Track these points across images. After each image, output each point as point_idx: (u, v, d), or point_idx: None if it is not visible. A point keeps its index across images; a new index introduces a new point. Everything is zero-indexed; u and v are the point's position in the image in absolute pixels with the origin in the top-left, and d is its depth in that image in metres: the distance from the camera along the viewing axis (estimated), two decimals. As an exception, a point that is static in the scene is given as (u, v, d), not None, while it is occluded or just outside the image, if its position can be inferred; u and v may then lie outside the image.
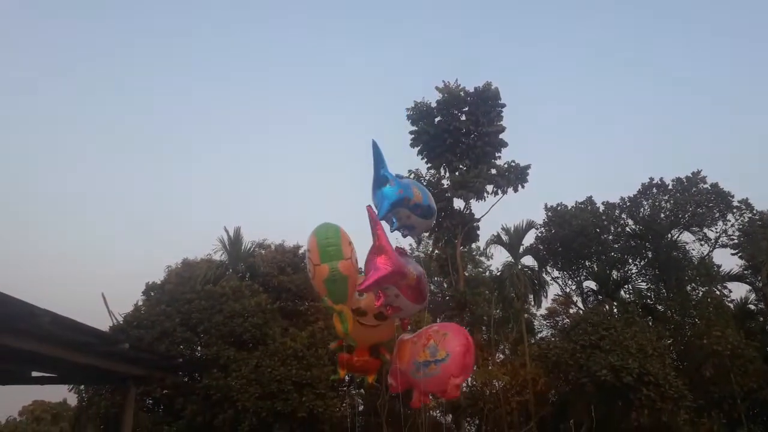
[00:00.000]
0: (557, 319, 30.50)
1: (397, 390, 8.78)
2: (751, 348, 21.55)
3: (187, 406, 18.06)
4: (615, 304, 26.15)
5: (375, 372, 8.81)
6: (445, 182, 25.47)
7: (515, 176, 24.72)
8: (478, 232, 26.35)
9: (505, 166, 24.95)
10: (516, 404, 22.39)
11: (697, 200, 26.72)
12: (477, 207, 25.72)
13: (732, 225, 27.11)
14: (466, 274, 26.42)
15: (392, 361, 8.72)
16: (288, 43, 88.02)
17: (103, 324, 19.37)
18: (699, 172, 27.25)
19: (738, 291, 30.69)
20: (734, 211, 26.88)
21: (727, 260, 27.98)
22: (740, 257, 26.80)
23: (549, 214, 28.55)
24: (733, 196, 26.71)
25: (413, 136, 25.69)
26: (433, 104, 25.52)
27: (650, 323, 23.44)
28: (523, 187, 24.97)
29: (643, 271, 28.30)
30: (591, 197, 28.37)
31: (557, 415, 23.52)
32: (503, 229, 27.66)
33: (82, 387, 19.52)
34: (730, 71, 78.83)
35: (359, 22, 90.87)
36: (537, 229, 28.29)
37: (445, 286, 27.58)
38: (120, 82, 77.77)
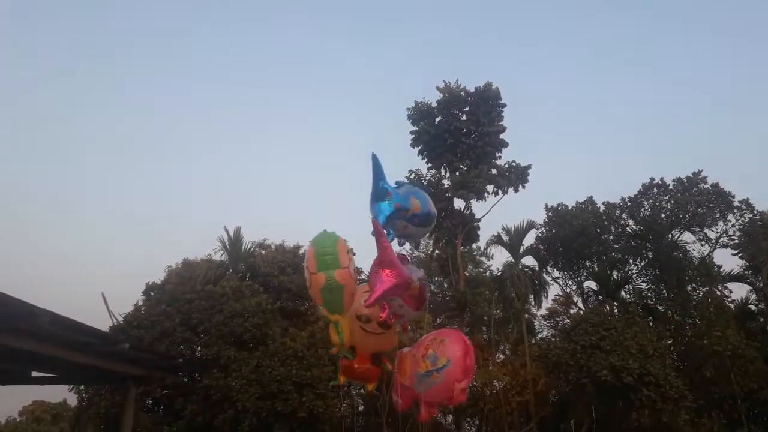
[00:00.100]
0: (558, 319, 30.50)
1: (404, 408, 8.61)
2: (752, 348, 21.53)
3: (187, 406, 18.05)
4: (615, 304, 26.15)
5: (375, 380, 8.73)
6: (446, 182, 25.47)
7: (516, 176, 24.71)
8: (479, 232, 26.37)
9: (506, 166, 24.94)
10: (516, 404, 22.38)
11: (697, 200, 26.71)
12: (477, 207, 25.74)
13: (732, 225, 27.12)
14: (467, 274, 26.42)
15: (395, 379, 8.63)
16: (288, 43, 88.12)
17: (103, 324, 19.36)
18: (700, 172, 27.26)
19: (738, 291, 30.65)
20: (735, 211, 26.87)
21: (728, 260, 28.00)
22: (741, 257, 26.80)
23: (549, 214, 28.54)
24: (733, 197, 26.71)
25: (414, 136, 25.68)
26: (434, 104, 25.52)
27: (651, 323, 23.43)
28: (523, 187, 24.97)
29: (644, 272, 28.29)
30: (591, 197, 28.39)
31: (558, 415, 23.51)
32: (504, 229, 27.68)
33: (82, 387, 19.50)
34: (730, 71, 78.87)
35: (359, 22, 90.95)
36: (537, 229, 28.30)
37: (446, 286, 27.57)
38: (120, 82, 77.87)
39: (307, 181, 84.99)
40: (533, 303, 28.14)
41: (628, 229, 28.22)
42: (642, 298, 26.40)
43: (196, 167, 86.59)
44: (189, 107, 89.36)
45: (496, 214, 31.54)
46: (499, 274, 27.77)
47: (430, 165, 25.71)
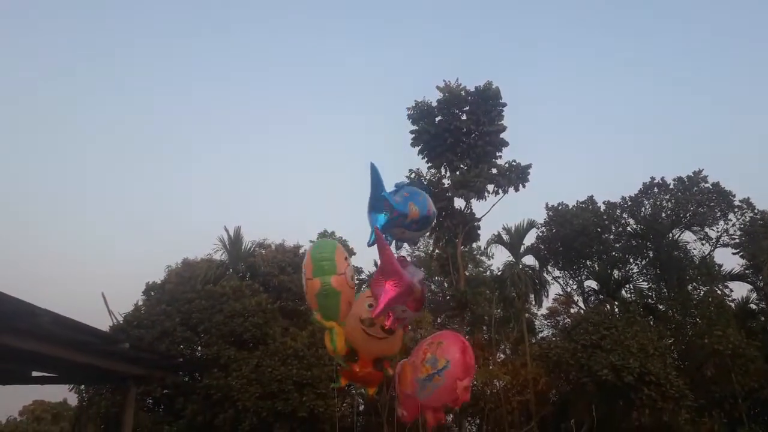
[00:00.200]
0: (558, 318, 30.50)
1: (410, 419, 8.53)
2: (752, 347, 21.51)
3: (187, 405, 18.06)
4: (616, 303, 26.13)
5: (376, 384, 8.71)
6: (446, 182, 25.42)
7: (516, 176, 24.66)
8: (479, 231, 26.32)
9: (506, 165, 24.90)
10: (517, 404, 22.38)
11: (698, 200, 26.70)
12: (478, 206, 25.69)
13: (733, 224, 27.11)
14: (467, 274, 26.39)
15: (398, 392, 8.60)
16: (288, 43, 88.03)
17: (104, 324, 19.37)
18: (700, 171, 27.24)
19: (739, 290, 30.60)
20: (735, 210, 26.86)
21: (729, 260, 27.93)
22: (741, 257, 26.78)
23: (550, 213, 28.52)
24: (734, 196, 26.69)
25: (414, 135, 25.65)
26: (434, 104, 25.48)
27: (651, 323, 23.41)
28: (524, 186, 24.92)
29: (645, 271, 28.28)
30: (592, 197, 28.38)
31: (558, 414, 23.50)
32: (504, 228, 27.65)
33: (83, 387, 19.52)
34: (730, 71, 78.81)
35: (359, 22, 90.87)
36: (538, 228, 28.28)
37: (446, 285, 27.56)
38: (120, 82, 77.84)
39: (307, 181, 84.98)
40: (534, 302, 28.13)
41: (628, 228, 28.21)
42: (642, 297, 26.38)
43: (196, 167, 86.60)
44: (189, 107, 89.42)
45: (496, 213, 31.58)
46: (499, 273, 27.74)
47: (430, 164, 25.68)
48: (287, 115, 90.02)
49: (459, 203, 25.21)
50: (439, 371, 7.94)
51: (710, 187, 26.80)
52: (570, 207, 28.26)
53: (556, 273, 29.66)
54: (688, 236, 27.85)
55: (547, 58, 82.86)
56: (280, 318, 20.80)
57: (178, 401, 18.35)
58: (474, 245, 28.96)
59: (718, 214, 27.02)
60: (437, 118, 25.40)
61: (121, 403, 13.44)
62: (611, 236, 28.20)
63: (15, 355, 8.84)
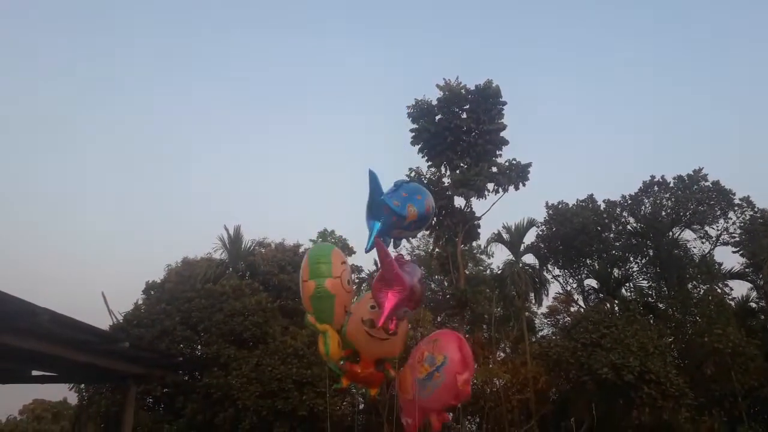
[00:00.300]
0: (558, 317, 30.49)
1: (416, 427, 8.46)
2: (752, 346, 21.50)
3: (187, 404, 18.05)
4: (616, 302, 26.11)
5: (378, 385, 8.70)
6: (446, 180, 25.39)
7: (516, 174, 24.62)
8: (479, 230, 26.29)
9: (506, 164, 24.87)
10: (517, 402, 22.38)
11: (698, 198, 26.68)
12: (478, 205, 25.67)
13: (733, 223, 27.08)
14: (467, 273, 26.37)
15: (400, 400, 8.57)
16: (288, 43, 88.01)
17: (103, 323, 19.39)
18: (700, 169, 27.20)
19: (739, 289, 30.61)
20: (735, 208, 26.83)
21: (729, 258, 27.93)
22: (741, 255, 26.77)
23: (550, 212, 28.49)
24: (734, 194, 26.67)
25: (414, 134, 25.62)
26: (434, 102, 25.45)
27: (651, 321, 23.40)
28: (524, 185, 24.89)
29: (645, 269, 28.27)
30: (592, 195, 28.36)
31: (558, 413, 23.49)
32: (504, 227, 27.64)
33: (83, 386, 19.52)
34: (730, 71, 78.74)
35: (359, 21, 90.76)
36: (538, 227, 28.26)
37: (446, 284, 27.54)
38: (120, 82, 77.75)
39: (306, 180, 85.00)
40: (534, 301, 28.13)
41: (628, 226, 28.20)
42: (642, 295, 26.36)
43: (196, 166, 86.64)
44: (189, 107, 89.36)
45: (496, 212, 31.54)
46: (499, 272, 27.74)
47: (430, 163, 25.64)
48: (287, 115, 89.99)
49: (459, 202, 25.20)
50: (437, 368, 7.96)
51: (710, 185, 26.77)
52: (570, 205, 28.24)
53: (556, 271, 29.67)
54: (688, 235, 27.87)
55: (547, 57, 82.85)
56: (279, 317, 20.79)
57: (178, 400, 18.35)
58: (474, 244, 28.94)
59: (718, 213, 27.00)
60: (437, 117, 25.36)
61: (121, 402, 13.44)
62: (611, 235, 28.18)
63: (15, 354, 8.84)
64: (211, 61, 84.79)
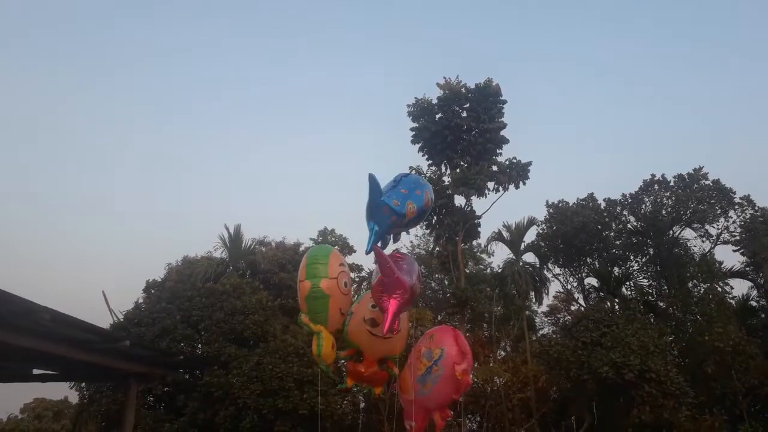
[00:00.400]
0: (558, 316, 30.54)
1: (421, 428, 8.41)
2: (753, 344, 21.53)
3: (188, 403, 18.06)
4: (616, 301, 26.14)
5: (383, 384, 8.69)
6: (446, 179, 25.39)
7: (516, 173, 24.61)
8: (480, 229, 26.27)
9: (506, 162, 24.86)
10: (517, 401, 22.42)
11: (698, 197, 26.68)
12: (478, 204, 25.69)
13: (734, 221, 27.11)
14: (468, 272, 26.38)
15: (402, 403, 8.55)
16: (288, 43, 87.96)
17: (104, 321, 19.43)
18: (701, 168, 27.22)
19: (740, 288, 30.68)
20: (736, 207, 26.86)
21: (729, 257, 28.02)
22: (742, 254, 26.80)
23: (550, 210, 28.51)
24: (734, 193, 26.68)
25: (414, 132, 25.62)
26: (434, 101, 25.44)
27: (652, 320, 23.43)
28: (524, 183, 24.88)
29: (645, 268, 28.30)
30: (592, 194, 28.39)
31: (558, 412, 23.52)
32: (504, 226, 27.67)
33: (84, 384, 19.55)
34: (729, 71, 78.64)
35: (358, 21, 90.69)
36: (538, 225, 28.29)
37: (446, 283, 27.56)
38: (120, 82, 77.76)
39: (307, 179, 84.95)
40: (534, 300, 28.14)
41: (629, 225, 28.21)
42: (643, 294, 26.39)
43: (196, 166, 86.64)
44: (189, 107, 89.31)
45: (496, 211, 31.56)
46: (499, 271, 27.76)
47: (430, 162, 25.64)
48: (288, 114, 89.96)
49: (459, 200, 25.19)
50: (435, 362, 7.99)
51: (710, 184, 26.78)
52: (570, 204, 28.26)
53: (557, 270, 29.71)
54: (688, 233, 27.90)
55: (548, 57, 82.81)
56: (280, 315, 20.81)
57: (179, 399, 18.36)
58: (474, 243, 28.94)
59: (719, 211, 27.01)
60: (437, 116, 25.35)
61: (122, 401, 13.45)
62: (611, 233, 28.20)
63: (16, 353, 8.85)
64: (211, 61, 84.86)
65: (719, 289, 25.31)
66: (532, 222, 27.33)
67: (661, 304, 26.12)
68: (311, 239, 25.43)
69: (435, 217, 24.52)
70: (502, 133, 25.10)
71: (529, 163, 24.88)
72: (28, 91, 79.50)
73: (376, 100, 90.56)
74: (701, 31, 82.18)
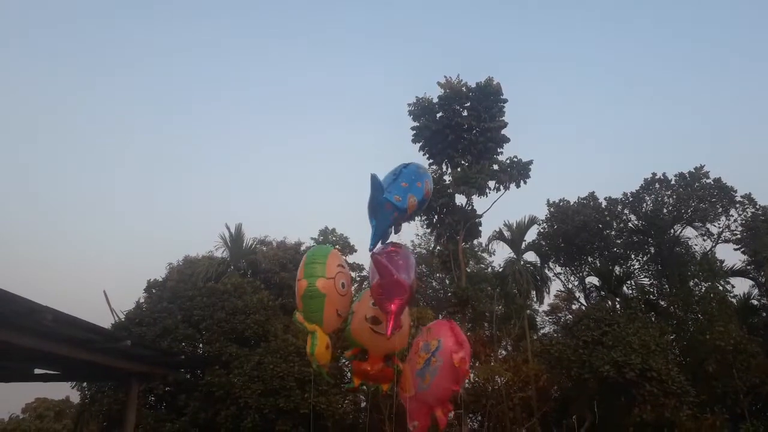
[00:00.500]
0: (560, 315, 30.53)
1: (424, 427, 8.34)
2: (754, 343, 21.50)
3: (189, 402, 18.07)
4: (617, 299, 26.13)
5: (389, 381, 8.68)
6: (447, 178, 25.38)
7: (517, 172, 24.58)
8: (480, 228, 26.24)
9: (507, 161, 24.83)
10: (518, 400, 22.38)
11: (699, 195, 26.66)
12: (479, 203, 25.62)
13: (735, 220, 27.09)
14: (468, 271, 26.37)
15: (404, 402, 8.54)
16: (288, 43, 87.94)
17: (105, 321, 19.43)
18: (702, 167, 27.19)
19: (741, 286, 30.67)
20: (737, 206, 26.84)
21: (730, 255, 27.98)
22: (743, 252, 26.77)
23: (551, 209, 28.50)
24: (735, 191, 26.65)
25: (415, 131, 25.60)
26: (435, 100, 25.42)
27: (653, 319, 23.42)
28: (525, 182, 24.85)
29: (646, 267, 28.29)
30: (593, 193, 28.38)
31: (560, 410, 23.50)
32: (505, 225, 27.65)
33: (85, 384, 19.56)
34: (730, 70, 78.54)
35: (358, 21, 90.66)
36: (539, 224, 28.28)
37: (447, 282, 27.55)
38: (121, 82, 77.77)
39: (307, 179, 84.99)
40: (535, 299, 28.13)
41: (630, 224, 28.20)
42: (644, 293, 26.38)
43: (197, 165, 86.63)
44: (189, 107, 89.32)
45: (497, 209, 31.56)
46: (500, 270, 27.75)
47: (431, 161, 25.62)
48: (288, 114, 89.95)
49: (460, 200, 25.16)
50: (433, 353, 8.05)
51: (712, 182, 26.76)
52: (571, 203, 28.26)
53: (558, 269, 29.71)
54: (689, 232, 27.90)
55: (548, 57, 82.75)
56: (281, 315, 20.81)
57: (180, 398, 18.38)
58: (475, 242, 28.92)
59: (720, 210, 27.00)
60: (438, 115, 25.33)
61: (123, 401, 13.47)
62: (612, 232, 28.19)
63: (17, 353, 8.86)
64: (211, 60, 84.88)
65: (720, 287, 25.28)
66: (533, 221, 27.32)
67: (663, 302, 26.12)
68: (312, 239, 25.46)
69: (436, 216, 24.51)
70: (503, 132, 25.08)
71: (530, 162, 24.86)
72: (28, 91, 79.56)
73: (376, 100, 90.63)
74: (701, 31, 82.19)
